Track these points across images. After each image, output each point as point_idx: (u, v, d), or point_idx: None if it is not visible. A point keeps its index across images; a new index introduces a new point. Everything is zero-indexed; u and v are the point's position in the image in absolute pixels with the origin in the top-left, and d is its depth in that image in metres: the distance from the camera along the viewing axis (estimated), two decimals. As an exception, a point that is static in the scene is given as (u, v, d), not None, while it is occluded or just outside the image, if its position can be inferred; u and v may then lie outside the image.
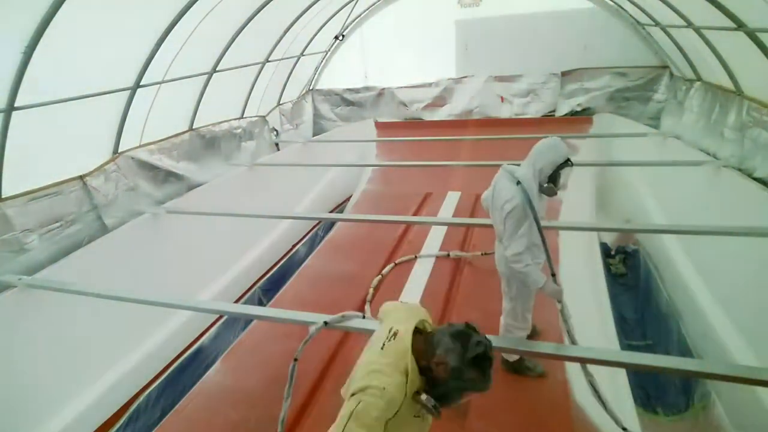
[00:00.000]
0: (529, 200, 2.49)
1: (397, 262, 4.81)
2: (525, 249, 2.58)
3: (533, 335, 3.49)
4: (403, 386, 1.49)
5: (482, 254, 4.62)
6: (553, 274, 2.62)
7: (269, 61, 6.88)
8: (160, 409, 3.90)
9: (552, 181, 2.64)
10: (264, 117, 7.50)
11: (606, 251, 5.82)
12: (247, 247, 5.90)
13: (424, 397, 1.49)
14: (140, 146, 5.04)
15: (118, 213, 4.58)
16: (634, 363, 2.36)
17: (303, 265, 5.34)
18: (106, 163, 4.58)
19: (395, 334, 1.60)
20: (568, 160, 2.60)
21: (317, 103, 9.61)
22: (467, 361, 1.46)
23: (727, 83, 5.15)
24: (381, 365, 1.52)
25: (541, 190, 2.64)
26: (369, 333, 3.28)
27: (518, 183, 2.55)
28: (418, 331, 1.62)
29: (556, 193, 2.68)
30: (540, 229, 2.55)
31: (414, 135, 8.36)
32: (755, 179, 4.37)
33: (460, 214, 5.97)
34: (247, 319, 4.29)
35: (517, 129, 7.85)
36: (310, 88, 9.46)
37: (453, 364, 1.46)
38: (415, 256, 4.86)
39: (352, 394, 1.50)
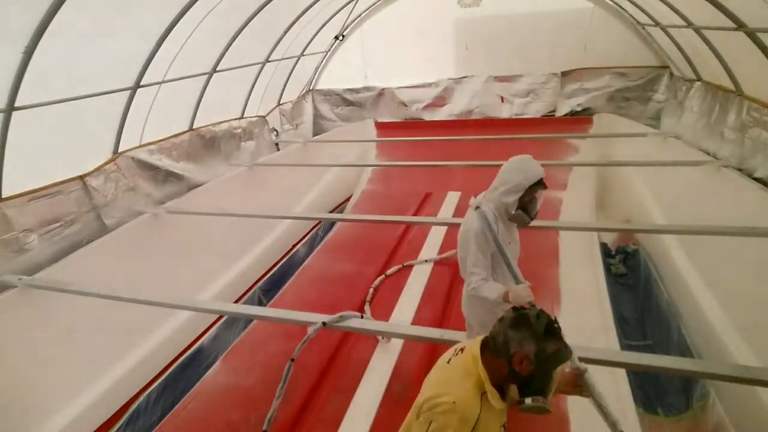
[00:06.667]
0: (488, 225, 2.16)
1: (405, 264, 4.76)
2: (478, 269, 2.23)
3: None
4: (476, 396, 1.38)
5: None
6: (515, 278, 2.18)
7: (269, 61, 6.88)
8: (160, 409, 3.90)
9: (523, 208, 2.20)
10: (264, 117, 7.50)
11: (606, 251, 5.80)
12: (247, 247, 5.89)
13: (529, 401, 1.37)
14: (140, 146, 5.04)
15: (117, 213, 4.59)
16: (634, 363, 2.35)
17: (303, 265, 5.33)
18: (106, 163, 4.58)
19: (462, 349, 1.52)
20: (541, 180, 2.15)
21: (317, 103, 9.61)
22: (543, 338, 1.34)
23: (727, 83, 5.15)
24: (449, 378, 1.44)
25: (510, 218, 2.23)
26: (368, 333, 3.32)
27: (477, 208, 2.26)
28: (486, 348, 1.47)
29: (528, 222, 2.25)
30: (505, 256, 2.16)
31: (414, 135, 8.35)
32: (755, 179, 4.38)
33: (460, 214, 5.88)
34: (247, 319, 4.29)
35: (517, 129, 7.87)
36: (310, 88, 9.46)
37: (533, 350, 1.34)
38: (426, 260, 4.78)
39: (420, 413, 1.43)
